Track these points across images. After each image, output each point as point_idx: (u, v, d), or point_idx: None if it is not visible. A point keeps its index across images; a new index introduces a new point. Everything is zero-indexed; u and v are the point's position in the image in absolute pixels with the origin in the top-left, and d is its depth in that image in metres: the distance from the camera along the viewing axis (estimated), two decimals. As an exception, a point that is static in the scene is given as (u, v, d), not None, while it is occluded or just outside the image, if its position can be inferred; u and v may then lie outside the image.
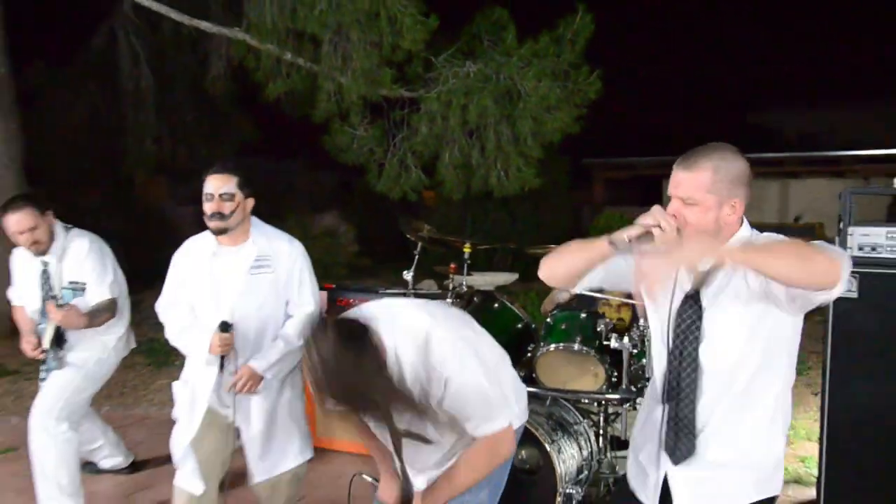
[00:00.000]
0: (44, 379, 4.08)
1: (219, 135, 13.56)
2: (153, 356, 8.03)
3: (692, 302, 2.27)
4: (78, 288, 4.00)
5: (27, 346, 3.98)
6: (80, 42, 12.54)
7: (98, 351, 4.14)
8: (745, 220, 2.26)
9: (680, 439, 2.30)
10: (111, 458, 4.82)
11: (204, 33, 9.31)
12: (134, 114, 11.93)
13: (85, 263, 4.00)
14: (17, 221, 3.86)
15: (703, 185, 2.15)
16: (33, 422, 3.96)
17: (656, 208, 2.17)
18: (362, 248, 15.55)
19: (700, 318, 2.25)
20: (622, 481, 2.59)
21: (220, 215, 3.18)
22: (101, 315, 3.98)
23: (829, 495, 3.96)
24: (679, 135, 21.41)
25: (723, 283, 2.22)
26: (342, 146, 8.63)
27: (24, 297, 4.13)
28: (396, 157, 8.58)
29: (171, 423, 3.41)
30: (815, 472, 4.17)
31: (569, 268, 2.38)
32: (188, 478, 3.28)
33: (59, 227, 4.05)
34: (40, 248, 3.95)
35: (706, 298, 2.25)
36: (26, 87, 10.31)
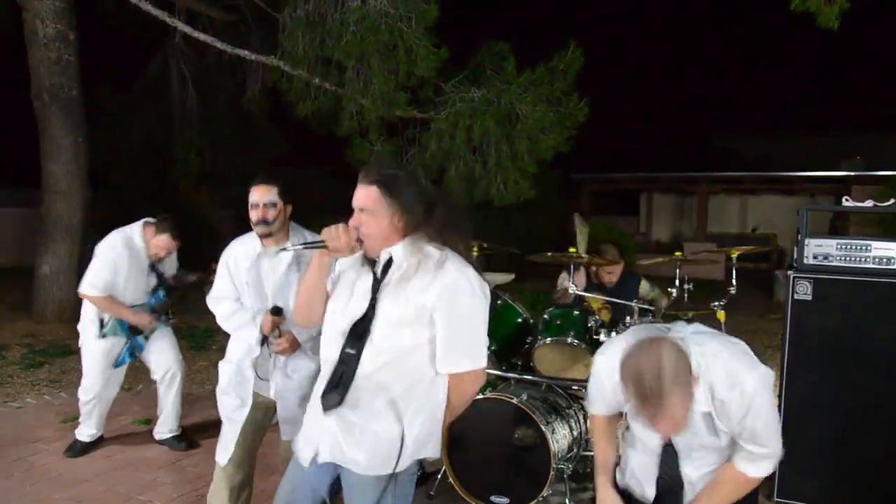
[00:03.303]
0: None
1: (253, 147, 13.59)
2: (194, 341, 8.00)
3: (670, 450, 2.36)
4: None
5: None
6: (139, 68, 12.61)
7: None
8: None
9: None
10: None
11: (243, 60, 9.33)
12: (181, 129, 11.98)
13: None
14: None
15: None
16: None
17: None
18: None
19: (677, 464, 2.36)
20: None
21: (264, 222, 3.17)
22: None
23: (784, 471, 3.93)
24: (654, 154, 21.46)
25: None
26: (362, 159, 8.60)
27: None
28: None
29: (210, 398, 3.37)
30: (773, 451, 4.14)
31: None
32: (226, 448, 3.24)
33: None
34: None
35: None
36: (94, 107, 10.28)
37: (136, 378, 6.50)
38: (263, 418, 3.31)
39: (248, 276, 3.27)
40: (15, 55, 9.14)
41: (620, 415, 2.55)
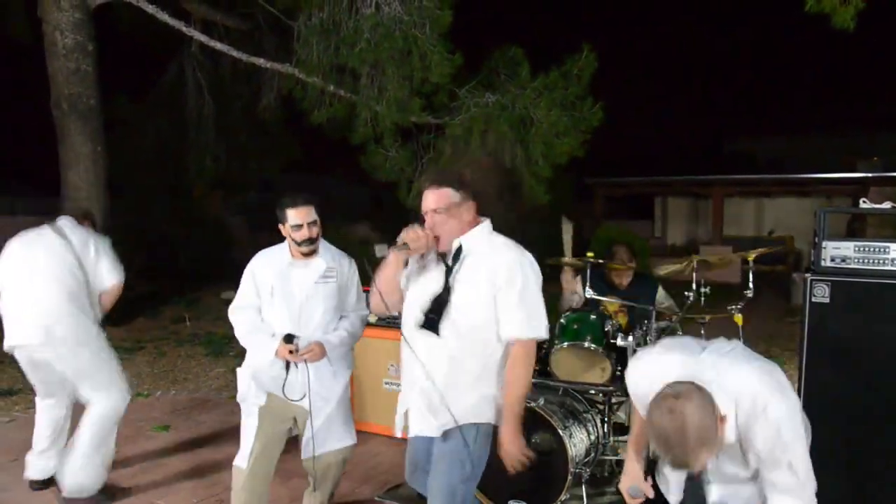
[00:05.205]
0: None
1: (268, 154, 13.64)
2: (210, 347, 8.05)
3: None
4: None
5: None
6: (155, 77, 12.73)
7: None
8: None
9: None
10: None
11: (258, 68, 9.40)
12: (196, 136, 12.06)
13: None
14: None
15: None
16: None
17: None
18: (390, 255, 15.47)
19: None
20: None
21: (310, 240, 3.29)
22: None
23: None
24: (667, 158, 21.40)
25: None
26: (376, 165, 8.66)
27: None
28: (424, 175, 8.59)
29: (228, 404, 3.38)
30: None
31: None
32: (244, 456, 3.26)
33: None
34: None
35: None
36: (111, 116, 10.39)
37: (155, 384, 6.57)
38: (285, 426, 3.34)
39: (276, 283, 3.31)
40: (35, 65, 9.25)
41: None
